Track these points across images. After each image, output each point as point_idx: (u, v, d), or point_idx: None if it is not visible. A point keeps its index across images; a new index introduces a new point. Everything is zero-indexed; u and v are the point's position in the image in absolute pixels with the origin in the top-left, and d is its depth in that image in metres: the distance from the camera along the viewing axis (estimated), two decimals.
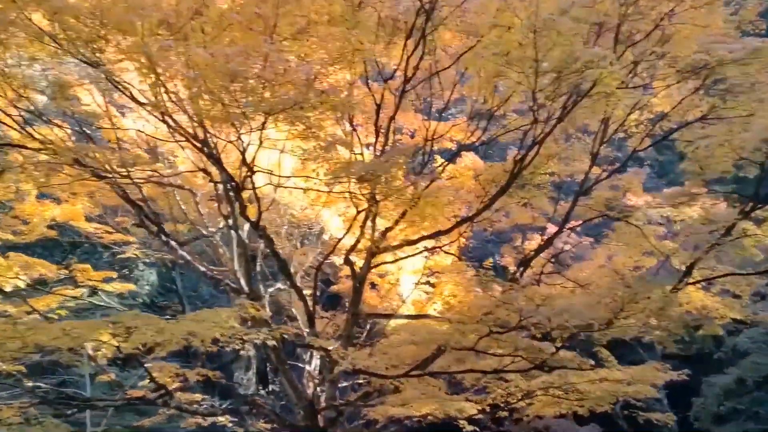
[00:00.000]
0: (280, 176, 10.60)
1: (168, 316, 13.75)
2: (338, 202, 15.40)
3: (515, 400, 11.21)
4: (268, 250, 11.87)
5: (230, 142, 9.15)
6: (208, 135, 9.87)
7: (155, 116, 9.82)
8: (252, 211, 11.51)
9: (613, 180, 14.12)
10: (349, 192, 10.08)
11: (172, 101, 8.13)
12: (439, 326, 10.56)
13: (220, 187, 13.04)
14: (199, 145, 9.95)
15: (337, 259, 16.72)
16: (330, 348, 10.22)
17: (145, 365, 10.62)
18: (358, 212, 11.46)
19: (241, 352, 12.22)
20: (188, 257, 12.74)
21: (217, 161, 10.07)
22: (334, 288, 16.84)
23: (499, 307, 8.96)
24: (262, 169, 10.17)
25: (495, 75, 8.34)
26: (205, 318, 7.93)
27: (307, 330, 13.79)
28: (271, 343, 9.24)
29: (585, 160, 14.04)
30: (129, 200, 11.38)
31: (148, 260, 24.98)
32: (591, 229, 19.28)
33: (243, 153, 9.16)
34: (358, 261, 13.23)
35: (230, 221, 11.87)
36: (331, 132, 12.25)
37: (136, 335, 7.39)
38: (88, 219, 14.94)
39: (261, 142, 8.91)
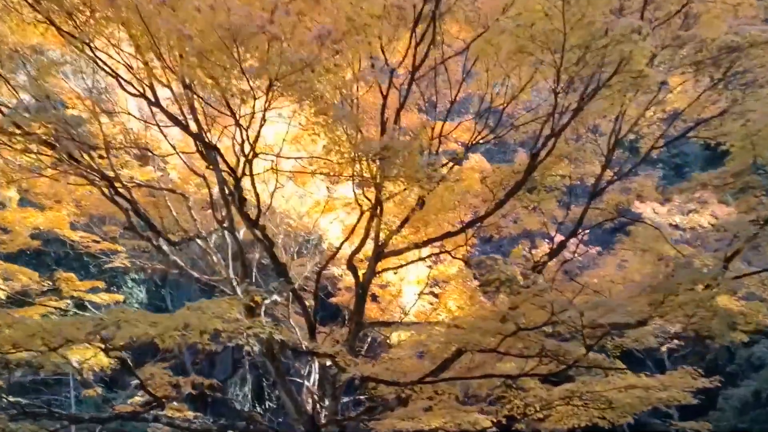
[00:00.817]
0: (278, 155, 9.83)
1: None
2: (337, 209, 14.80)
3: (533, 411, 10.40)
4: (266, 254, 11.13)
5: (229, 115, 8.36)
6: (203, 122, 9.18)
7: (140, 93, 9.03)
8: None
9: (624, 183, 13.57)
10: (360, 177, 9.29)
11: (167, 67, 7.41)
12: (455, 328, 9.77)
13: (215, 191, 12.37)
14: (194, 131, 9.25)
15: (337, 270, 16.06)
16: (335, 354, 9.44)
17: (136, 373, 9.79)
18: (362, 213, 10.78)
19: (241, 350, 11.34)
20: (180, 262, 11.99)
21: (214, 148, 9.35)
22: (333, 300, 16.07)
23: (526, 302, 8.20)
24: (264, 152, 9.43)
25: (517, 51, 7.67)
26: (205, 309, 7.16)
27: (305, 343, 13.14)
28: (278, 336, 8.46)
29: (596, 163, 13.51)
30: (118, 196, 10.60)
31: (137, 277, 24.30)
32: (597, 238, 18.75)
33: (245, 130, 8.38)
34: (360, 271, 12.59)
35: (226, 223, 11.08)
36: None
37: (126, 329, 6.61)
38: (74, 228, 14.21)
39: (264, 120, 8.15)
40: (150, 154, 13.24)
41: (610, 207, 13.20)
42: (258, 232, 10.03)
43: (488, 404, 10.85)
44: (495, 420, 10.30)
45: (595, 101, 10.49)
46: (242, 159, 9.06)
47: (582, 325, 7.67)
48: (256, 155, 8.77)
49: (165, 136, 11.78)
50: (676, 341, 14.17)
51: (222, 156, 9.32)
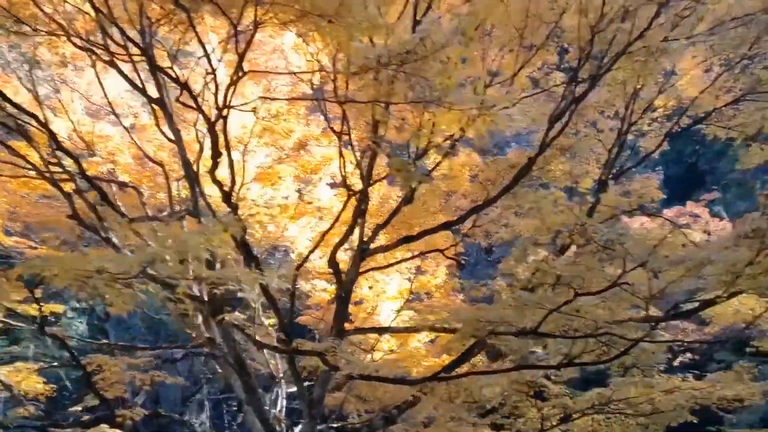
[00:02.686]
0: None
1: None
2: (309, 214, 13.35)
3: (549, 426, 8.82)
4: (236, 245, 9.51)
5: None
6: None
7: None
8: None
9: (624, 186, 12.58)
10: (370, 102, 7.61)
11: None
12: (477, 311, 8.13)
13: (174, 185, 10.93)
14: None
15: (305, 285, 14.40)
16: (325, 351, 7.79)
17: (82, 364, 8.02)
18: (350, 196, 9.38)
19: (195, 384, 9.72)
20: None
21: (184, 86, 7.75)
22: (300, 319, 14.38)
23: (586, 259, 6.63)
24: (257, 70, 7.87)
25: None
26: (189, 237, 5.49)
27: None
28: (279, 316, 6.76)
29: (592, 162, 12.59)
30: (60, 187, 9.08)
31: (78, 306, 22.31)
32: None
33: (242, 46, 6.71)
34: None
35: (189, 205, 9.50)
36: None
37: (72, 264, 4.91)
38: (8, 233, 12.45)
39: (257, 24, 6.55)
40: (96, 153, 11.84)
41: (610, 209, 12.19)
42: (230, 209, 8.45)
43: (502, 417, 9.23)
44: None
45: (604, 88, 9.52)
46: (215, 112, 7.54)
47: (649, 294, 6.14)
48: (244, 75, 7.12)
49: (117, 116, 10.34)
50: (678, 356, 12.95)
51: (192, 94, 7.70)
